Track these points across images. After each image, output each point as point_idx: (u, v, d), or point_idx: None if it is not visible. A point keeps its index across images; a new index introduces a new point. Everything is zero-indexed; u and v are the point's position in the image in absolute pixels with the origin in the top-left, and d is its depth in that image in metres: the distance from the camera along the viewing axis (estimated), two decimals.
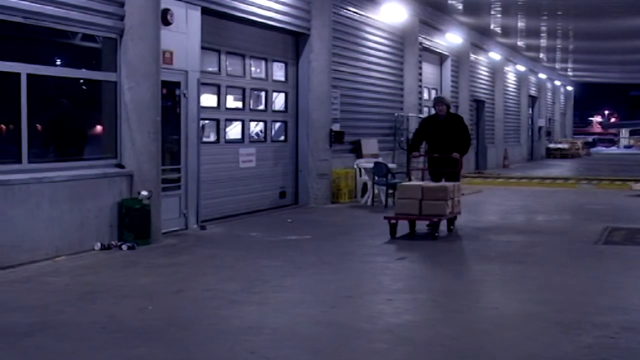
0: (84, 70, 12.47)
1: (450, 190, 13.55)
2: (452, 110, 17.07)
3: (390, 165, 19.47)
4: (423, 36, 26.10)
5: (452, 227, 14.15)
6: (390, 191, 18.22)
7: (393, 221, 13.48)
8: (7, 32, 10.94)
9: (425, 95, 27.47)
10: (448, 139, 14.37)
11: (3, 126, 11.34)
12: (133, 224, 12.15)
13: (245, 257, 11.48)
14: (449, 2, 25.80)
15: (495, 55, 36.35)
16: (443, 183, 13.89)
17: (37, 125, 11.46)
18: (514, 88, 42.45)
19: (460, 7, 26.75)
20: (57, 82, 11.93)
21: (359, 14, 21.52)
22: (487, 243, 13.15)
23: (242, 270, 10.54)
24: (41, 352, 6.74)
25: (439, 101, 15.01)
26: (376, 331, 7.54)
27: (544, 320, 7.92)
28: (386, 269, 10.83)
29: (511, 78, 41.50)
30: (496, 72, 37.54)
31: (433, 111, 15.74)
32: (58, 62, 12.13)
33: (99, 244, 11.78)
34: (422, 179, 15.31)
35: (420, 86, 25.57)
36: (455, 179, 14.36)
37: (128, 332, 7.35)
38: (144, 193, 12.30)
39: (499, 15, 28.62)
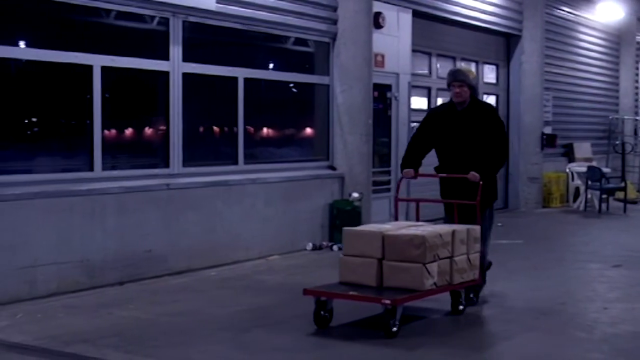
0: (298, 74, 12.75)
1: (439, 243, 7.46)
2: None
3: (605, 170, 18.84)
4: None
5: (460, 307, 8.01)
6: (604, 196, 17.80)
7: (323, 298, 7.44)
8: (226, 38, 11.36)
9: None
10: (469, 145, 8.37)
11: (218, 129, 11.77)
12: (344, 225, 12.21)
13: None
14: None
15: None
16: (438, 227, 7.90)
17: (250, 127, 11.80)
18: None
19: None
20: (269, 85, 12.26)
21: (573, 14, 20.95)
22: None
23: None
24: (259, 347, 6.97)
25: (456, 78, 8.43)
26: (593, 340, 7.31)
27: None
28: (601, 276, 10.48)
29: None
30: None
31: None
32: (271, 66, 12.47)
33: (310, 244, 12.01)
34: (417, 219, 8.96)
35: (637, 88, 24.59)
36: (474, 219, 8.26)
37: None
38: (355, 195, 12.43)
39: None
